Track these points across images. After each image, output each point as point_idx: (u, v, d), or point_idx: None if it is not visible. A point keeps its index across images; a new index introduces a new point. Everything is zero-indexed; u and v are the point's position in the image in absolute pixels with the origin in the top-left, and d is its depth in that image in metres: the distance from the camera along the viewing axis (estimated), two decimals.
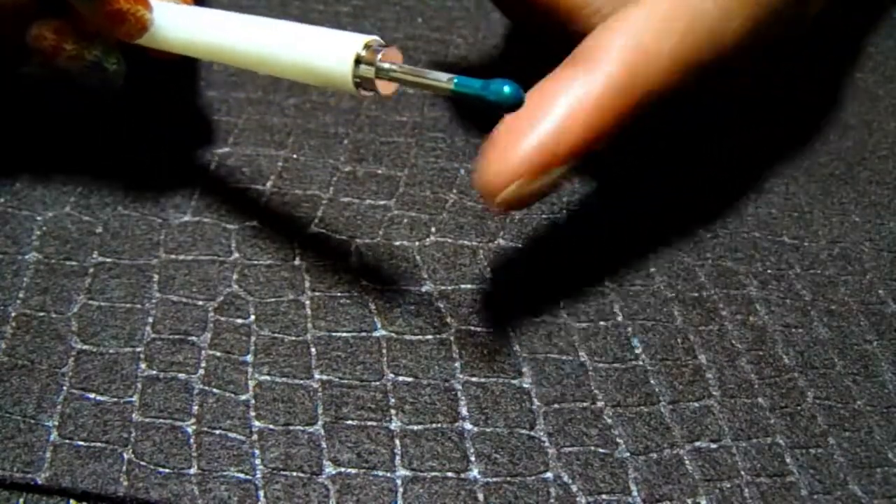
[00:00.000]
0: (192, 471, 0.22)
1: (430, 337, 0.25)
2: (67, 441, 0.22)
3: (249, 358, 0.24)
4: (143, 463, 0.22)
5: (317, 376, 0.24)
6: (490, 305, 0.26)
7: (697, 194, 0.30)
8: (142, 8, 0.24)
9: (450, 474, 0.22)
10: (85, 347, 0.24)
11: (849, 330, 0.27)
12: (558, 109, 0.23)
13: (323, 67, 0.22)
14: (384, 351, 0.25)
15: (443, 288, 0.26)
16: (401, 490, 0.22)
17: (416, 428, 0.23)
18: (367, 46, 0.22)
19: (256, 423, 0.23)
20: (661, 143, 0.32)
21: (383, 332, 0.25)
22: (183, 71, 0.32)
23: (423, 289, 0.26)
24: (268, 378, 0.24)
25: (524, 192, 0.22)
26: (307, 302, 0.26)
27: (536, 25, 0.28)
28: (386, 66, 0.21)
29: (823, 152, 0.33)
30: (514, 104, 0.20)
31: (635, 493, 0.22)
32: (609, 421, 0.24)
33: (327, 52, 0.22)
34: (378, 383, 0.24)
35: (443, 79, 0.20)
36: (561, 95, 0.23)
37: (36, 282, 0.25)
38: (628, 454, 0.23)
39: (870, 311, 0.27)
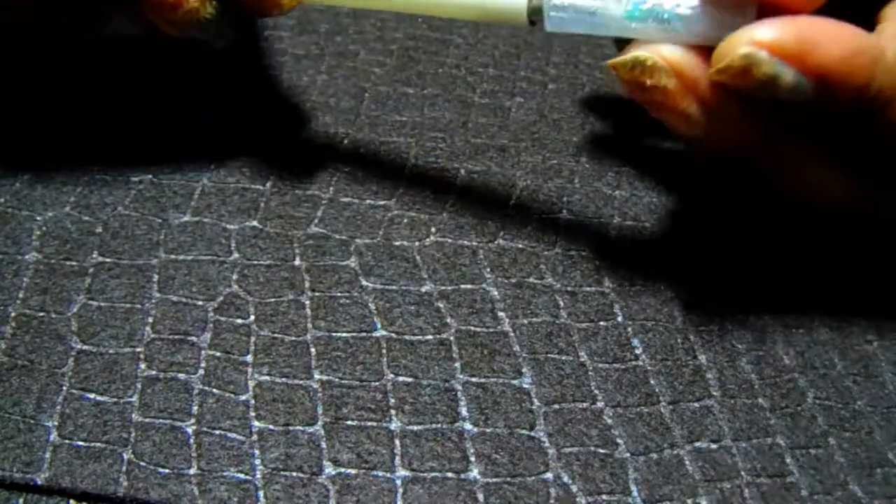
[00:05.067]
0: (192, 471, 0.22)
1: (430, 337, 0.25)
2: (67, 441, 0.22)
3: (249, 358, 0.24)
4: (143, 463, 0.22)
5: (317, 376, 0.24)
6: (490, 305, 0.26)
7: (697, 194, 0.30)
8: None
9: (450, 475, 0.22)
10: (85, 347, 0.24)
11: (849, 330, 0.27)
12: (834, 30, 0.21)
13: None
14: (384, 351, 0.25)
15: (443, 288, 0.26)
16: (401, 490, 0.22)
17: (416, 428, 0.23)
18: None
19: (256, 424, 0.23)
20: (661, 143, 0.32)
21: (383, 332, 0.25)
22: (183, 70, 0.32)
23: (423, 289, 0.26)
24: (268, 378, 0.24)
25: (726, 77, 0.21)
26: (307, 302, 0.26)
27: None
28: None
29: None
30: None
31: (635, 494, 0.22)
32: (609, 421, 0.24)
33: None
34: (378, 383, 0.24)
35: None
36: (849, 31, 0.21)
37: (36, 282, 0.25)
38: (628, 454, 0.23)
39: (870, 311, 0.27)
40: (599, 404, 0.24)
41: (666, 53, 0.22)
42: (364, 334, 0.25)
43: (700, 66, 0.22)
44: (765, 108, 0.23)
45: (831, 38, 0.21)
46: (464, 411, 0.24)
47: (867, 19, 0.25)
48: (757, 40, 0.21)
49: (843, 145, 0.24)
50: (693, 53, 0.23)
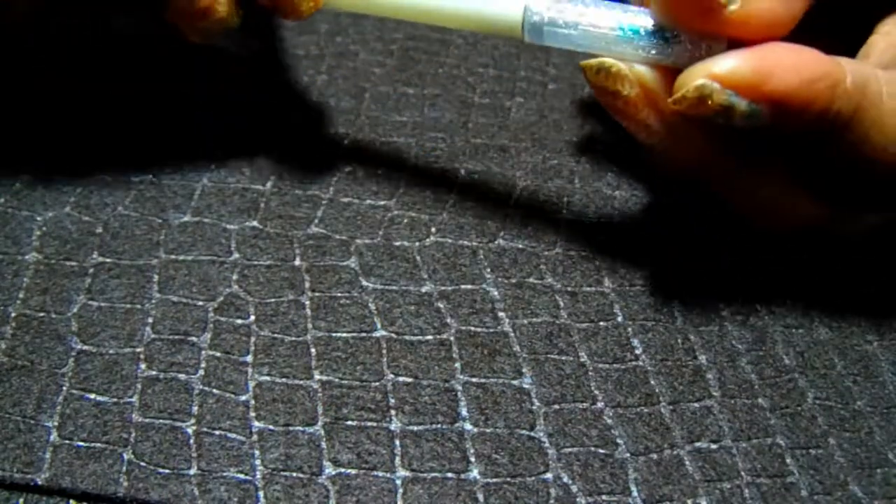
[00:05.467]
0: (192, 471, 0.22)
1: (430, 337, 0.25)
2: (67, 441, 0.22)
3: (249, 358, 0.24)
4: (143, 463, 0.22)
5: (317, 377, 0.24)
6: (490, 305, 0.26)
7: (697, 194, 0.30)
8: None
9: (450, 475, 0.22)
10: (85, 348, 0.24)
11: (849, 330, 0.27)
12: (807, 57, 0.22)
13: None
14: (384, 351, 0.25)
15: (443, 288, 0.26)
16: (401, 490, 0.22)
17: (416, 428, 0.23)
18: None
19: (256, 424, 0.23)
20: None
21: (383, 332, 0.25)
22: (183, 70, 0.32)
23: (423, 289, 0.26)
24: (268, 378, 0.24)
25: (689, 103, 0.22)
26: (307, 302, 0.26)
27: None
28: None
29: None
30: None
31: (635, 494, 0.22)
32: (609, 421, 0.24)
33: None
34: (378, 384, 0.24)
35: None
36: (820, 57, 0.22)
37: (36, 282, 0.25)
38: (628, 455, 0.23)
39: (870, 311, 0.27)
40: (599, 404, 0.24)
41: (633, 64, 0.23)
42: (364, 334, 0.25)
43: (664, 83, 0.23)
44: (723, 131, 0.23)
45: (789, 68, 0.22)
46: (464, 411, 0.24)
47: (863, 29, 0.25)
48: (712, 73, 0.22)
49: (804, 166, 0.24)
50: (659, 72, 0.23)
